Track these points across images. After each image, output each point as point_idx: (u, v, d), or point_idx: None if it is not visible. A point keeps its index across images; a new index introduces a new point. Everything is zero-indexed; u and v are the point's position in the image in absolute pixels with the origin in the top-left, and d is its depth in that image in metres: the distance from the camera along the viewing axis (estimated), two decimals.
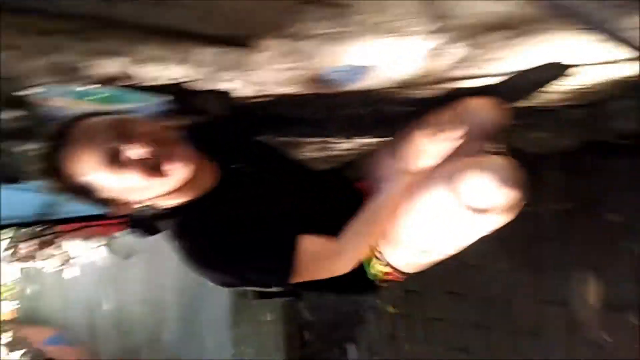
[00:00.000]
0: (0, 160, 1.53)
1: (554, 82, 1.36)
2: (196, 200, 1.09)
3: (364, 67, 1.13)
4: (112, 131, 0.96)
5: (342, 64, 1.10)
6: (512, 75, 1.29)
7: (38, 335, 9.49)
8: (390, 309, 2.84)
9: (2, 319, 12.56)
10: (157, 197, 1.04)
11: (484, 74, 1.27)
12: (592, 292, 1.87)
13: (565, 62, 1.24)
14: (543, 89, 1.44)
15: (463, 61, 1.15)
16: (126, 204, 1.04)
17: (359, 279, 1.22)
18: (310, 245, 1.08)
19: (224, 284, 1.19)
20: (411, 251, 1.20)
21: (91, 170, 0.96)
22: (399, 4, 0.87)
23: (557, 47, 1.13)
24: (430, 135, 1.10)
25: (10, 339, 10.16)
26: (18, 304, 12.85)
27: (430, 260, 1.23)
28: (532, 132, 1.77)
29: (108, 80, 1.07)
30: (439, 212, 1.10)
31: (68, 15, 0.80)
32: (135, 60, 0.98)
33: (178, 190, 1.04)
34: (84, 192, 1.00)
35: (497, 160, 1.08)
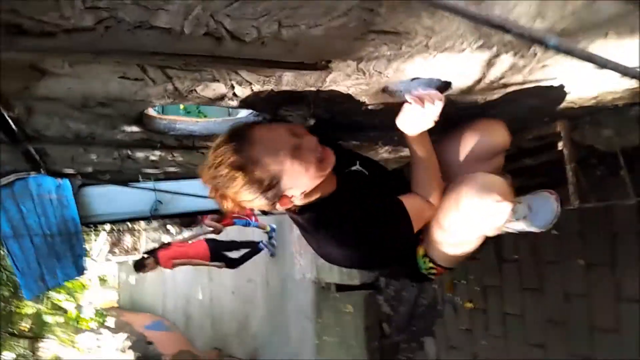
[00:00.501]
0: (126, 165, 1.80)
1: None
2: (327, 196, 1.38)
3: (427, 79, 1.26)
4: (289, 131, 1.26)
5: (406, 78, 1.23)
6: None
7: (139, 321, 10.37)
8: (468, 304, 2.90)
9: (105, 306, 13.75)
10: (307, 191, 1.30)
11: (532, 80, 1.36)
12: None
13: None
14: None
15: (511, 69, 1.26)
16: (288, 198, 1.30)
17: (416, 273, 1.57)
18: (409, 199, 1.42)
19: (358, 263, 1.58)
20: (446, 246, 1.47)
21: (283, 159, 1.23)
22: (446, 29, 0.99)
23: (601, 52, 1.20)
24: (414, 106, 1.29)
25: (113, 324, 11.17)
26: (119, 293, 14.05)
27: (458, 251, 1.49)
28: (599, 129, 1.79)
29: (214, 100, 1.27)
30: (464, 210, 1.35)
31: (181, 54, 1.00)
32: (233, 83, 1.17)
33: (315, 188, 1.32)
34: (269, 184, 1.24)
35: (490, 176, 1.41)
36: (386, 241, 1.41)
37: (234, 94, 1.24)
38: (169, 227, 9.48)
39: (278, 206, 1.32)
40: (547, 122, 1.76)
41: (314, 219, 1.39)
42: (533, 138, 1.85)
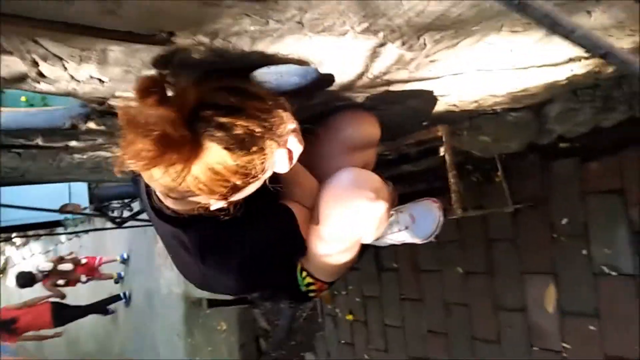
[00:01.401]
0: None
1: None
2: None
3: (297, 68, 1.03)
4: None
5: (272, 64, 0.99)
6: None
7: None
8: (348, 317, 2.76)
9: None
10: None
11: (417, 78, 1.22)
12: (548, 297, 1.84)
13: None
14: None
15: (397, 63, 1.09)
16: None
17: (295, 291, 1.36)
18: (295, 206, 1.22)
19: (245, 289, 1.40)
20: (325, 257, 1.28)
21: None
22: (325, 1, 0.77)
23: (492, 49, 1.09)
24: None
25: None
26: None
27: (337, 261, 1.30)
28: (477, 135, 1.73)
29: (11, 81, 0.92)
30: (337, 213, 1.18)
31: None
32: (35, 58, 0.84)
33: None
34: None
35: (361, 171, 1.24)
36: (279, 260, 1.26)
37: (40, 74, 0.89)
38: (12, 238, 8.32)
39: (220, 204, 0.96)
40: (427, 126, 1.64)
41: (202, 238, 1.09)
42: (413, 143, 1.73)
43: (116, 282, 6.37)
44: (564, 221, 1.77)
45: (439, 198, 1.63)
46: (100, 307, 6.28)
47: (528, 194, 1.84)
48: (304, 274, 1.33)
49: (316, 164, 1.35)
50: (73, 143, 1.32)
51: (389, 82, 1.22)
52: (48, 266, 5.96)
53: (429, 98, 1.42)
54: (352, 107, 1.39)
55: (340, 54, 1.00)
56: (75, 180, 1.86)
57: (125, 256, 6.13)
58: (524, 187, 1.84)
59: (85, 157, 1.45)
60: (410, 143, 1.77)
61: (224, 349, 3.75)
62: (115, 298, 6.21)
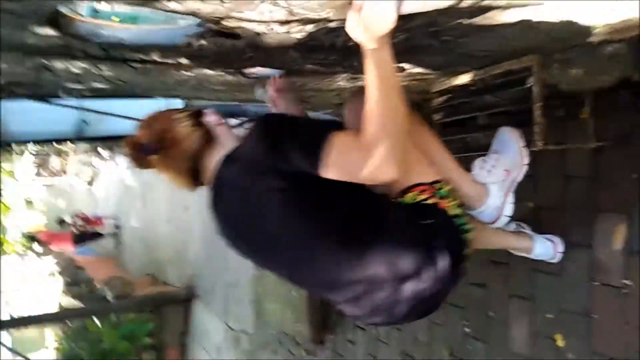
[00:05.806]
0: (43, 77, 1.52)
1: None
2: None
3: None
4: None
5: None
6: None
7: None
8: None
9: (32, 229, 13.18)
10: None
11: (517, 3, 1.20)
12: (617, 235, 1.85)
13: None
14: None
15: None
16: None
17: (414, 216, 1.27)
18: (339, 136, 1.18)
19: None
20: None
21: None
22: None
23: None
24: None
25: (40, 249, 10.69)
26: (47, 217, 13.42)
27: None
28: (568, 68, 1.69)
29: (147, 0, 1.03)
30: None
31: None
32: None
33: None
34: None
35: None
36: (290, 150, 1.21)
37: None
38: (100, 150, 8.97)
39: None
40: (517, 56, 1.63)
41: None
42: (500, 73, 1.73)
43: None
44: None
45: (520, 130, 1.65)
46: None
47: (614, 132, 1.82)
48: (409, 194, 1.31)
49: None
50: (183, 60, 1.44)
51: (488, 9, 1.21)
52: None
53: (524, 27, 1.40)
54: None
55: None
56: (176, 96, 2.02)
57: None
58: (611, 125, 1.81)
59: (191, 74, 1.58)
60: (497, 73, 1.75)
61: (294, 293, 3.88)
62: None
